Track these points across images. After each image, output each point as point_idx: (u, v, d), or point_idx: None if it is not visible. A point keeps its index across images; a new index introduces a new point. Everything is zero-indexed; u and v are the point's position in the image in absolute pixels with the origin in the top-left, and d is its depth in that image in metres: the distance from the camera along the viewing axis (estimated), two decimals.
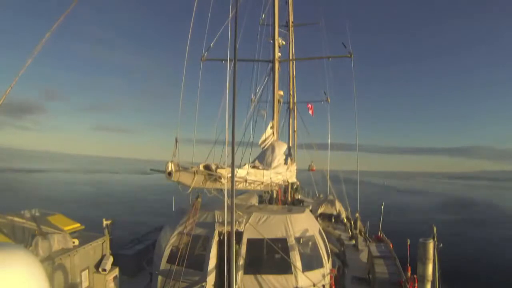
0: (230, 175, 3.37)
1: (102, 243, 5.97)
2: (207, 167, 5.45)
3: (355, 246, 10.91)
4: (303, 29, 18.00)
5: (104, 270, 5.73)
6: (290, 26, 16.43)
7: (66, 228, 5.61)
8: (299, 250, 5.97)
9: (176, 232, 6.35)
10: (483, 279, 13.77)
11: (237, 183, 6.41)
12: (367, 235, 13.09)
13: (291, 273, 5.78)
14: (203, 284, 5.74)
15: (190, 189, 5.45)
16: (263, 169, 7.66)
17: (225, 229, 3.78)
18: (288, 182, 11.12)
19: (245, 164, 7.36)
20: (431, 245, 5.63)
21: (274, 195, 11.43)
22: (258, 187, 7.93)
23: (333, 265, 7.29)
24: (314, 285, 5.83)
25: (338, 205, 15.21)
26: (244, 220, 6.10)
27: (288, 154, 13.53)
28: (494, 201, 50.38)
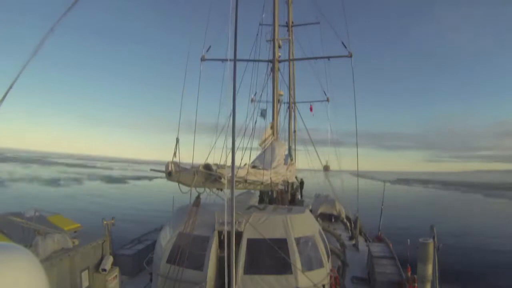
0: (230, 175, 3.36)
1: (102, 243, 5.97)
2: (207, 167, 5.44)
3: (355, 246, 10.93)
4: (303, 29, 17.98)
5: (104, 270, 5.73)
6: (290, 26, 16.43)
7: (66, 228, 5.62)
8: (299, 250, 5.96)
9: (176, 232, 6.35)
10: (483, 279, 13.77)
11: (237, 183, 6.41)
12: (367, 235, 13.11)
13: (291, 273, 5.77)
14: (203, 284, 5.74)
15: (190, 189, 5.45)
16: (263, 169, 7.65)
17: (225, 229, 3.78)
18: (288, 182, 11.12)
19: (245, 164, 7.36)
20: (431, 245, 5.64)
21: (274, 195, 11.43)
22: (258, 187, 7.93)
23: (333, 265, 7.29)
24: (314, 285, 5.83)
25: (338, 205, 15.22)
26: (244, 220, 6.09)
27: (288, 154, 13.53)
28: None
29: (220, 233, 6.00)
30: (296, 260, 5.83)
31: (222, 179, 5.30)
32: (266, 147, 9.85)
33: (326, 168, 18.63)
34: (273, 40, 11.23)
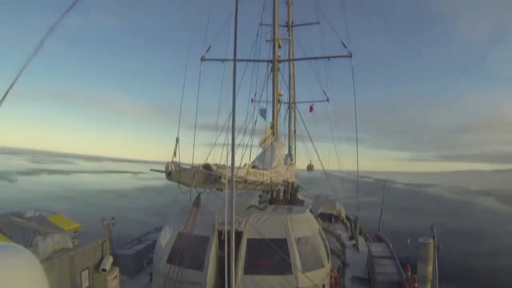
0: (230, 175, 3.37)
1: (102, 243, 5.97)
2: (207, 167, 5.44)
3: (355, 246, 10.93)
4: (303, 29, 17.97)
5: (104, 270, 5.73)
6: (290, 26, 16.42)
7: (66, 228, 5.62)
8: (299, 250, 5.97)
9: (176, 232, 6.35)
10: (483, 279, 13.77)
11: (237, 183, 6.41)
12: (367, 235, 13.11)
13: (291, 273, 5.78)
14: (203, 284, 5.75)
15: (190, 189, 5.45)
16: (263, 169, 7.65)
17: (225, 229, 3.79)
18: (288, 182, 11.12)
19: (245, 164, 7.35)
20: (431, 245, 5.64)
21: (274, 195, 11.41)
22: (258, 187, 7.93)
23: (333, 265, 7.29)
24: (314, 285, 5.83)
25: (338, 205, 15.24)
26: (244, 220, 6.10)
27: (288, 154, 13.52)
28: None
29: (220, 233, 6.01)
30: (296, 260, 5.83)
31: (222, 179, 5.29)
32: (266, 147, 9.85)
33: (309, 168, 18.65)
34: (273, 40, 11.22)
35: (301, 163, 18.84)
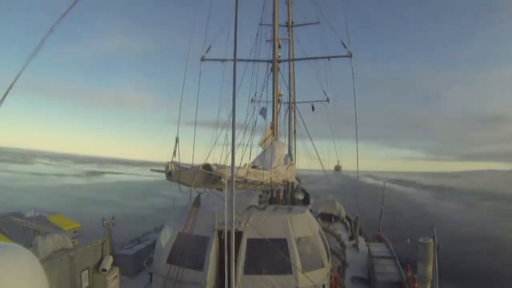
0: (230, 175, 3.37)
1: (102, 243, 5.97)
2: (207, 167, 5.44)
3: (355, 246, 10.93)
4: (303, 29, 17.96)
5: (104, 270, 5.73)
6: (290, 26, 16.42)
7: (66, 228, 5.62)
8: (299, 250, 5.97)
9: (176, 232, 6.35)
10: (483, 279, 13.77)
11: (237, 183, 6.40)
12: (367, 235, 13.12)
13: (291, 273, 5.78)
14: (203, 284, 5.75)
15: (190, 189, 5.45)
16: (263, 169, 7.65)
17: (225, 229, 3.80)
18: (288, 182, 11.12)
19: (245, 164, 7.35)
20: (431, 245, 5.65)
21: (274, 195, 11.42)
22: (258, 187, 7.92)
23: (333, 265, 7.30)
24: (314, 285, 5.83)
25: (338, 205, 15.25)
26: (244, 220, 6.10)
27: (288, 154, 13.52)
28: None
29: (220, 233, 6.00)
30: (296, 260, 5.83)
31: (222, 179, 5.29)
32: (266, 147, 9.85)
33: (337, 168, 18.67)
34: (273, 40, 11.21)
35: (301, 163, 18.84)
